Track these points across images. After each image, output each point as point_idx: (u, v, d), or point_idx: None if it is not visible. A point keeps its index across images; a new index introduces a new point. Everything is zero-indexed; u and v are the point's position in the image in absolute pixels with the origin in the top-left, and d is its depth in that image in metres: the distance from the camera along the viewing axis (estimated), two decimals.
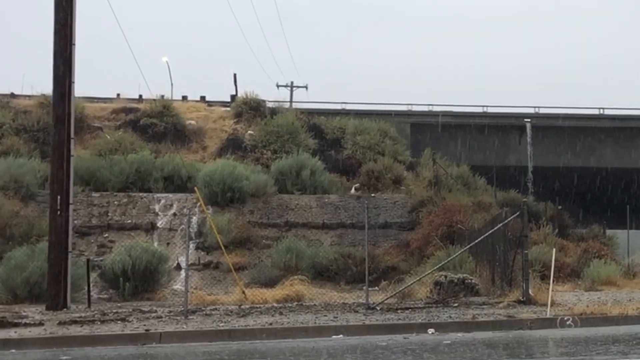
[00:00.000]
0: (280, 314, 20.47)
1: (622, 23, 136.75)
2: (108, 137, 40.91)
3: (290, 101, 56.45)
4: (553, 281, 21.74)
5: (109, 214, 34.23)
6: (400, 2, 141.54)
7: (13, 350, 16.40)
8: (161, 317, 20.14)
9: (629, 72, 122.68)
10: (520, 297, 21.37)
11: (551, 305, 20.03)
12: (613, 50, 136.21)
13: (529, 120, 48.18)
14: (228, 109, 46.85)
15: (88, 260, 25.02)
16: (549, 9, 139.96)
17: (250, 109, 45.00)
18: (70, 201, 23.04)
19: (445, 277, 23.47)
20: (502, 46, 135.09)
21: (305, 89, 66.53)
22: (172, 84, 57.74)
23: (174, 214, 34.54)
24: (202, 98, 49.54)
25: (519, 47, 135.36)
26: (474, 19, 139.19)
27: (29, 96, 44.03)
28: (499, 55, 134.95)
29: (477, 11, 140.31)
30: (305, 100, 58.24)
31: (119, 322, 19.21)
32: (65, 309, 21.81)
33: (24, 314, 20.88)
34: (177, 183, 37.30)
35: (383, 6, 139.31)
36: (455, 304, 21.75)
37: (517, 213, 22.31)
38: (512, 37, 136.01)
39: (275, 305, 22.71)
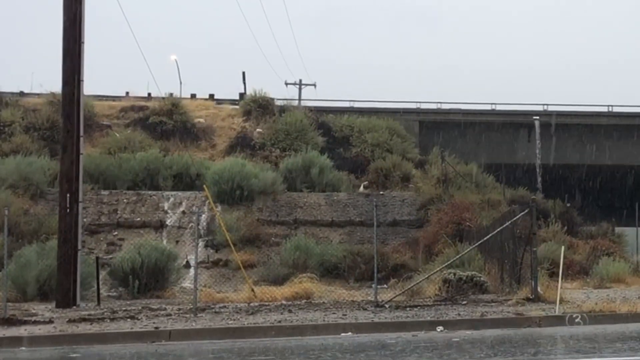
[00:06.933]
0: (289, 311, 20.51)
1: (630, 26, 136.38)
2: (117, 135, 41.00)
3: (299, 99, 56.52)
4: (562, 279, 21.73)
5: (118, 212, 34.31)
6: (410, 2, 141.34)
7: (23, 348, 16.48)
8: (170, 314, 20.20)
9: (636, 73, 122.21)
10: (529, 295, 21.35)
11: (560, 303, 20.03)
12: (622, 52, 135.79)
13: (537, 117, 48.08)
14: (237, 107, 46.89)
15: (97, 258, 25.08)
16: (556, 12, 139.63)
17: (258, 107, 45.02)
18: (80, 199, 23.09)
19: (454, 274, 23.48)
20: (509, 48, 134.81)
21: (313, 86, 66.64)
22: (180, 82, 57.89)
23: (183, 212, 34.60)
24: (211, 96, 49.59)
25: (526, 48, 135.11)
26: (481, 20, 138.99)
27: (38, 94, 44.15)
28: (506, 56, 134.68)
29: (485, 12, 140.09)
30: (313, 98, 58.23)
31: (128, 319, 19.27)
32: (74, 307, 21.86)
33: (33, 311, 20.95)
34: (186, 181, 37.37)
35: (391, 5, 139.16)
36: (464, 302, 21.75)
37: (526, 210, 22.29)
38: (519, 38, 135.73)
39: (284, 303, 22.73)
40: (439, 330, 17.70)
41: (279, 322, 18.36)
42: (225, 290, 26.90)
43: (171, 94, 46.35)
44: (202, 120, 44.20)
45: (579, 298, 22.35)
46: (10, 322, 18.73)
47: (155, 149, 39.01)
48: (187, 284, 28.12)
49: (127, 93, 48.07)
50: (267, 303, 22.76)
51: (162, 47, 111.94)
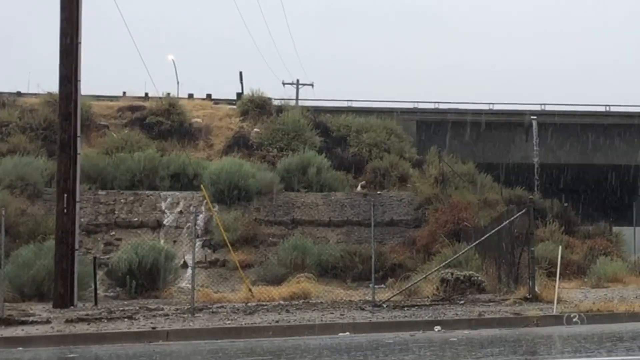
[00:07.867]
0: (287, 311, 20.49)
1: (630, 26, 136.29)
2: (114, 135, 40.99)
3: (296, 99, 56.44)
4: (559, 278, 21.72)
5: (116, 212, 34.28)
6: (410, 2, 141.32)
7: (20, 348, 16.45)
8: (168, 314, 20.18)
9: (634, 73, 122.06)
10: (527, 294, 21.35)
11: (557, 303, 20.01)
12: (622, 52, 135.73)
13: (535, 117, 48.09)
14: (234, 107, 46.89)
15: (95, 258, 25.08)
16: (556, 12, 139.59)
17: (256, 107, 45.02)
18: (77, 199, 23.05)
19: (452, 274, 23.48)
20: (509, 47, 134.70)
21: (311, 86, 66.51)
22: (178, 82, 57.89)
23: (181, 212, 34.58)
24: (208, 96, 49.57)
25: (526, 48, 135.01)
26: (481, 20, 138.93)
27: (35, 94, 44.14)
28: (506, 56, 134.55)
29: (485, 12, 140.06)
30: (311, 98, 58.23)
31: (125, 320, 19.25)
32: (72, 307, 21.83)
33: (31, 311, 20.93)
34: (183, 181, 37.35)
35: (391, 5, 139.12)
36: (462, 302, 21.74)
37: (523, 210, 22.29)
38: (519, 38, 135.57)
39: (281, 302, 22.72)
40: (436, 330, 17.69)
41: (277, 322, 18.35)
42: (223, 290, 26.90)
43: (168, 94, 46.34)
44: (199, 120, 44.20)
45: (577, 298, 22.35)
46: (7, 322, 18.70)
47: (153, 149, 38.99)
48: (185, 284, 28.12)
49: (125, 93, 48.04)
50: (264, 303, 22.74)
51: (159, 47, 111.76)
